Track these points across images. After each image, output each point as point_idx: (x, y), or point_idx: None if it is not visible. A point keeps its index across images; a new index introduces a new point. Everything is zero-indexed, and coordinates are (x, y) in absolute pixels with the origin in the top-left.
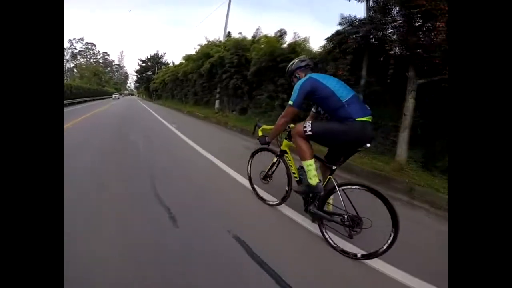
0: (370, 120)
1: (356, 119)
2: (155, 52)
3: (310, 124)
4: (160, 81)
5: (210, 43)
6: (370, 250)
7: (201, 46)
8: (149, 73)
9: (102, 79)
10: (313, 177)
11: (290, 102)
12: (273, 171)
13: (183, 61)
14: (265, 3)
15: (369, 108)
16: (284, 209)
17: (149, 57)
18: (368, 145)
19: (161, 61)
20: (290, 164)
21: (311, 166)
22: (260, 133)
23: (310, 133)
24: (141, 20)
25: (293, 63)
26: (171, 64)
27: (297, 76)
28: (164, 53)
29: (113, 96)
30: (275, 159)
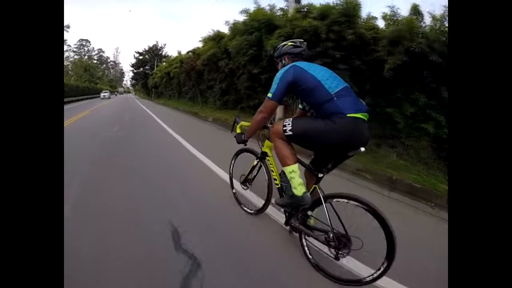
0: (365, 118)
1: (347, 115)
2: (154, 43)
3: (290, 122)
4: (162, 75)
5: (259, 10)
6: (357, 275)
7: (249, 13)
8: (147, 67)
9: (94, 75)
10: (298, 186)
11: (269, 95)
12: (255, 176)
13: (204, 44)
14: None
15: (364, 103)
16: None
17: (147, 48)
18: (362, 149)
19: (161, 54)
20: (272, 168)
21: (294, 173)
22: (238, 130)
23: (290, 133)
24: (136, 15)
25: (285, 45)
26: (173, 55)
27: (283, 62)
28: (165, 44)
29: (102, 95)
30: (255, 162)
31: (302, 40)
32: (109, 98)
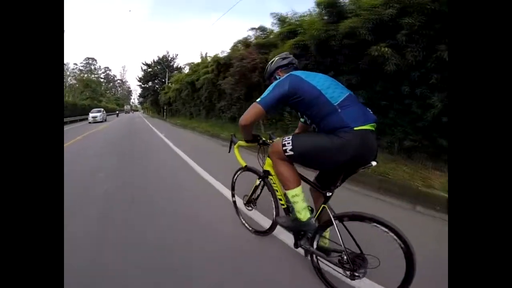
0: (373, 128)
1: (355, 128)
2: (165, 53)
3: (290, 140)
4: (180, 87)
5: None
6: None
7: None
8: (156, 81)
9: (96, 92)
10: (302, 211)
11: (258, 99)
12: (258, 195)
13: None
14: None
15: (371, 112)
16: None
17: (156, 60)
18: (374, 163)
19: (173, 65)
20: (276, 187)
21: (297, 197)
22: (236, 150)
23: (291, 153)
24: (142, 31)
25: (272, 62)
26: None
27: (277, 77)
28: (176, 55)
29: (90, 116)
30: (257, 182)
31: (287, 52)
32: (104, 121)
